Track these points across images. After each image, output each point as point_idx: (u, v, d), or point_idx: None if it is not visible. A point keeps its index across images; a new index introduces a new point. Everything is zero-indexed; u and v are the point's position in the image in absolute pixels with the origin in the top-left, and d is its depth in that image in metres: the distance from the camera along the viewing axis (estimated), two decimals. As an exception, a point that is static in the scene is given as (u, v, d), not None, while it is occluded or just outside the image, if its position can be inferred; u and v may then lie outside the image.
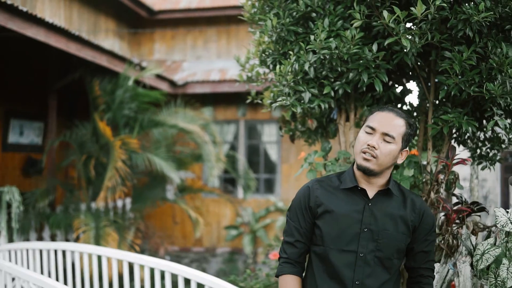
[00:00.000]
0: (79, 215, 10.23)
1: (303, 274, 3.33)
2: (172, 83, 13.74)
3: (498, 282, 3.45)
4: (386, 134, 3.08)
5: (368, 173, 3.11)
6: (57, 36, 9.25)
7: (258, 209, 14.52)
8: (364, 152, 3.08)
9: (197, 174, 14.56)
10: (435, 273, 3.99)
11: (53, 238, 11.03)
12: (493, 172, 11.93)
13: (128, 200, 12.04)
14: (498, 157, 4.90)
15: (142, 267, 6.03)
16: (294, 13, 4.34)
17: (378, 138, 3.08)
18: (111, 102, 10.80)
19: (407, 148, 3.22)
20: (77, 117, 12.42)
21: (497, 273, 3.47)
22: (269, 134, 15.08)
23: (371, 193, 3.17)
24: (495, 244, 3.68)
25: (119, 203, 11.74)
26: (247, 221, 14.25)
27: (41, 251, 6.65)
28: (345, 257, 3.11)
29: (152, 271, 5.75)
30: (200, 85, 14.04)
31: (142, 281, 6.40)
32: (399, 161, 3.20)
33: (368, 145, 3.07)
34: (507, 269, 3.44)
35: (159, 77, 12.88)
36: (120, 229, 10.34)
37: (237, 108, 14.82)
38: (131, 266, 6.65)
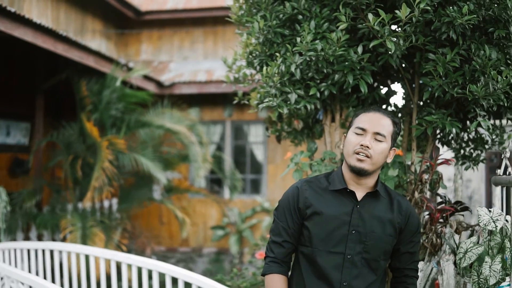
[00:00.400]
0: (65, 215, 10.28)
1: (289, 274, 3.35)
2: (159, 84, 13.78)
3: (481, 279, 3.52)
4: (378, 133, 3.12)
5: (363, 173, 3.13)
6: (44, 37, 9.29)
7: (245, 209, 14.58)
8: (358, 153, 3.11)
9: (183, 174, 14.60)
10: (419, 272, 4.07)
11: (39, 238, 11.05)
12: (477, 172, 12.01)
13: (114, 201, 12.06)
14: (481, 158, 4.97)
15: (129, 266, 6.07)
16: (281, 16, 4.40)
17: (370, 138, 3.12)
18: (98, 103, 10.85)
19: (395, 147, 3.26)
20: (64, 118, 12.43)
21: (480, 271, 3.54)
22: (255, 134, 15.13)
23: (359, 195, 3.20)
24: (478, 242, 3.75)
25: (106, 203, 11.77)
26: (233, 221, 14.31)
27: (28, 251, 6.67)
28: (333, 258, 3.13)
29: (139, 270, 5.79)
30: (187, 85, 14.09)
31: (129, 281, 6.43)
32: (388, 160, 3.25)
33: (362, 145, 3.10)
34: (490, 267, 3.51)
35: (146, 77, 12.92)
36: (107, 229, 10.38)
37: (224, 109, 14.87)
38: (118, 266, 6.65)
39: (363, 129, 3.14)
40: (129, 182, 12.13)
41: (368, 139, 3.11)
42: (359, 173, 3.13)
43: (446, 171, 11.14)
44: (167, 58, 16.02)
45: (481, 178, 12.61)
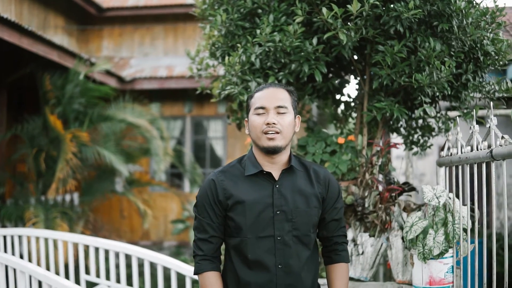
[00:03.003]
0: (29, 207, 10.33)
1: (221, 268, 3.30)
2: (120, 79, 13.85)
3: (425, 250, 3.78)
4: (279, 107, 3.08)
5: (277, 151, 3.08)
6: (10, 31, 9.34)
7: (204, 203, 14.68)
8: (266, 132, 3.05)
9: (144, 168, 14.73)
10: (370, 247, 4.39)
11: (3, 230, 11.11)
12: (432, 166, 12.40)
13: (76, 195, 12.13)
14: (429, 144, 5.31)
15: (97, 249, 6.26)
16: (242, 9, 4.66)
17: (274, 114, 3.07)
18: (61, 97, 10.92)
19: (298, 115, 3.24)
20: (26, 112, 12.46)
21: (425, 242, 3.78)
22: (215, 130, 15.28)
23: (276, 174, 3.15)
24: (423, 217, 4.05)
25: (67, 197, 11.85)
26: (193, 215, 14.42)
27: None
28: (264, 243, 3.08)
29: (106, 253, 5.99)
30: (147, 81, 14.19)
31: (97, 265, 6.65)
32: (297, 129, 3.21)
33: (268, 123, 3.04)
34: (434, 238, 3.76)
35: (108, 73, 12.99)
36: (70, 221, 10.50)
37: (184, 105, 15.00)
38: (86, 252, 6.85)
39: (263, 108, 3.10)
40: (92, 175, 12.17)
41: (271, 116, 3.06)
42: (273, 151, 3.08)
43: (398, 163, 11.51)
44: (128, 54, 16.12)
45: (434, 172, 12.99)
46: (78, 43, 15.83)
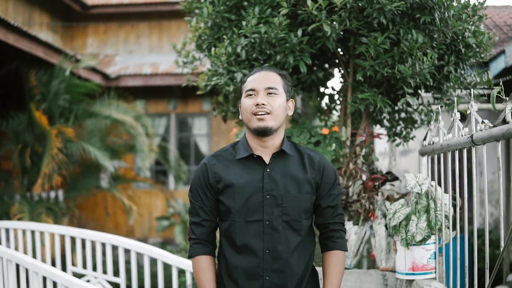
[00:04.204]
0: (14, 203, 10.36)
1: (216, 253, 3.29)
2: (105, 76, 13.86)
3: (408, 236, 3.87)
4: (269, 88, 3.07)
5: (268, 132, 3.05)
6: (-4, 27, 9.36)
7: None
8: (256, 113, 3.04)
9: (129, 165, 14.76)
10: (354, 235, 4.47)
11: (-12, 226, 11.12)
12: (415, 163, 12.49)
13: (60, 192, 12.16)
14: (411, 136, 5.40)
15: (83, 240, 6.30)
16: (228, 2, 4.74)
17: (263, 95, 3.06)
18: (47, 93, 10.95)
19: (292, 99, 3.23)
20: (11, 108, 12.43)
21: (407, 228, 3.86)
22: (200, 127, 15.32)
23: (267, 159, 3.13)
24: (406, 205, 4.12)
25: (52, 194, 11.87)
26: (178, 212, 14.49)
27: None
28: (252, 227, 3.06)
29: (93, 244, 6.04)
30: (132, 78, 14.21)
31: (84, 257, 6.69)
32: (290, 113, 3.20)
33: (257, 104, 3.03)
34: (416, 225, 3.83)
35: (93, 70, 12.98)
36: (56, 217, 10.55)
37: (168, 102, 15.04)
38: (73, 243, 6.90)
39: (253, 90, 3.09)
40: (77, 171, 12.22)
41: (261, 97, 3.05)
42: (264, 133, 3.06)
43: (384, 162, 11.59)
44: (112, 51, 16.13)
45: (417, 168, 13.10)
46: (63, 40, 15.81)
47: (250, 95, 3.09)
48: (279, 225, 3.05)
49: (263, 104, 3.02)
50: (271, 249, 3.05)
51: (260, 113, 3.02)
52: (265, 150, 3.13)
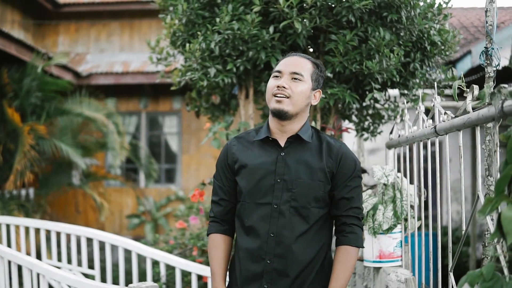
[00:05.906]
0: (-14, 199, 10.40)
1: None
2: (76, 74, 13.83)
3: (375, 225, 3.99)
4: (294, 73, 3.04)
5: (284, 116, 3.04)
6: (-31, 24, 9.37)
7: (160, 198, 14.73)
8: (275, 95, 3.03)
9: (100, 163, 14.76)
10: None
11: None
12: (383, 163, 12.65)
13: (31, 190, 12.15)
14: (378, 131, 5.56)
15: (58, 233, 6.37)
16: (202, -1, 4.89)
17: (287, 79, 3.04)
18: (19, 90, 10.96)
19: (319, 89, 3.19)
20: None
21: (375, 218, 4.00)
22: (170, 125, 15.37)
23: (283, 143, 3.11)
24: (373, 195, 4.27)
25: (23, 192, 11.88)
26: (148, 210, 14.54)
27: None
28: (261, 210, 3.05)
29: (68, 237, 6.12)
30: (103, 76, 14.19)
31: (59, 252, 6.76)
32: (314, 102, 3.17)
33: (278, 86, 3.02)
34: (383, 214, 3.96)
35: (65, 68, 12.96)
36: (28, 214, 10.56)
37: (139, 100, 15.07)
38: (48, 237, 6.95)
39: (279, 71, 3.08)
40: (49, 168, 12.24)
41: (284, 80, 3.03)
42: (280, 115, 3.04)
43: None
44: (84, 50, 16.10)
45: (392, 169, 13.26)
46: (34, 39, 15.76)
47: (276, 76, 3.09)
48: (286, 210, 3.02)
49: (284, 87, 3.01)
50: (276, 233, 3.02)
51: (279, 95, 3.02)
52: (283, 134, 3.12)
